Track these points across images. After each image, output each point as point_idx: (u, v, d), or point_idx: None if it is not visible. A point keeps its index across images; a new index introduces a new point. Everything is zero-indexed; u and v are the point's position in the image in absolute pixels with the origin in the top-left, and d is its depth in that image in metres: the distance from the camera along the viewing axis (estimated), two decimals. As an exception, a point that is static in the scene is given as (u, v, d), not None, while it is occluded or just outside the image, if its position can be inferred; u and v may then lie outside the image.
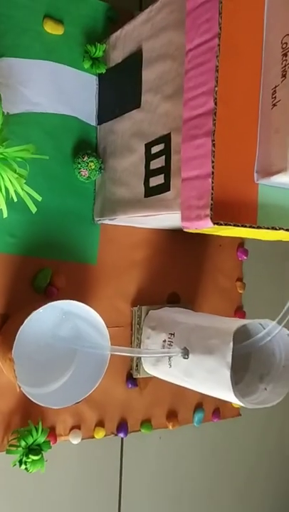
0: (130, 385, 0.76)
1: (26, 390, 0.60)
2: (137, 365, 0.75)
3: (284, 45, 0.51)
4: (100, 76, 0.72)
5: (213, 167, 0.48)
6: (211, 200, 0.48)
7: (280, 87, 0.51)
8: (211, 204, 0.48)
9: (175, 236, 0.79)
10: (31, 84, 0.68)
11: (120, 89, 0.68)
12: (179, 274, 0.81)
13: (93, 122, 0.73)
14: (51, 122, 0.69)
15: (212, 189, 0.48)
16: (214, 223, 0.48)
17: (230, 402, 0.85)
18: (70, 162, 0.71)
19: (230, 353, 0.58)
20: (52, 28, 0.69)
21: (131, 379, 0.76)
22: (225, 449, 0.89)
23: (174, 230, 0.78)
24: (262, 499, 0.95)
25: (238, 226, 0.51)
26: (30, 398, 0.60)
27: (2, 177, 0.55)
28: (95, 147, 0.73)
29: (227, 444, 0.89)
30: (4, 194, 0.56)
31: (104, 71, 0.71)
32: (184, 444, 0.83)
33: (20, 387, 0.59)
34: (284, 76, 0.51)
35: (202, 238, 0.82)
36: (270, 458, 0.96)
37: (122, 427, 0.75)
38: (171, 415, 0.80)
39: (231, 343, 0.59)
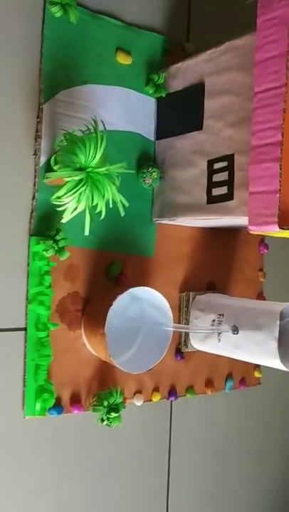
0: (179, 358, 0.91)
1: (115, 360, 0.74)
2: (185, 341, 0.90)
3: None
4: (158, 99, 0.86)
5: (280, 185, 0.64)
6: (278, 210, 0.64)
7: None
8: (278, 213, 0.64)
9: (213, 234, 0.94)
10: (107, 106, 0.81)
11: (181, 112, 0.82)
12: (215, 265, 0.96)
13: (152, 138, 0.87)
14: (120, 138, 0.83)
15: (279, 202, 0.64)
16: (280, 228, 0.64)
17: (253, 373, 1.02)
18: (134, 171, 0.84)
19: (278, 329, 0.74)
20: (123, 59, 0.82)
21: (179, 352, 0.91)
22: (248, 413, 1.06)
23: (213, 228, 0.94)
24: (277, 453, 1.13)
25: (294, 230, 0.66)
26: (117, 365, 0.74)
27: (107, 188, 0.68)
28: (153, 159, 0.87)
29: (250, 409, 1.06)
30: (104, 201, 0.69)
31: (164, 95, 0.84)
32: (218, 407, 0.99)
33: (110, 356, 0.74)
34: None
35: (233, 235, 0.98)
36: (284, 419, 1.14)
37: (172, 392, 0.90)
38: (209, 383, 0.96)
39: (278, 321, 0.75)
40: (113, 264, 0.83)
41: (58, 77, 0.77)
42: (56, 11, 0.75)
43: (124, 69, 0.83)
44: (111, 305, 0.74)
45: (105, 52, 0.81)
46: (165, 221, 0.85)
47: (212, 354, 0.88)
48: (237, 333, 0.80)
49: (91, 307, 0.80)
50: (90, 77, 0.80)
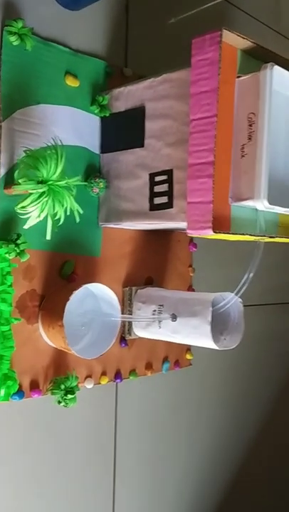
0: (123, 345, 1.03)
1: (72, 348, 0.85)
2: (128, 330, 1.02)
3: (249, 119, 0.82)
4: (102, 118, 0.97)
5: (212, 197, 0.78)
6: (212, 217, 0.78)
7: (247, 145, 0.82)
8: (212, 220, 0.77)
9: (150, 234, 1.07)
10: (58, 124, 0.91)
11: (124, 130, 0.93)
12: (152, 262, 1.09)
13: (97, 151, 0.98)
14: (70, 151, 0.93)
15: (212, 210, 0.78)
16: (214, 232, 0.78)
17: (185, 355, 1.17)
18: (81, 181, 0.95)
19: (210, 314, 0.89)
20: (71, 82, 0.92)
21: (123, 340, 1.03)
22: (181, 391, 1.21)
23: (150, 230, 1.07)
24: (205, 427, 1.29)
25: (223, 233, 0.80)
26: (75, 353, 0.85)
27: (66, 199, 0.78)
28: (98, 170, 0.98)
29: (183, 387, 1.21)
30: (63, 210, 0.80)
31: (108, 114, 0.96)
32: (157, 387, 1.13)
33: (68, 345, 0.84)
34: (249, 138, 0.81)
35: (167, 236, 1.12)
36: (214, 394, 1.30)
37: (118, 375, 1.02)
38: (148, 366, 1.09)
39: (210, 308, 0.89)
40: (66, 263, 0.93)
41: (15, 97, 0.86)
42: (14, 40, 0.84)
43: (72, 91, 0.93)
44: (68, 299, 0.84)
45: (56, 75, 0.91)
46: (111, 225, 0.97)
47: (151, 340, 1.01)
48: (175, 320, 0.94)
49: (47, 302, 0.90)
50: (43, 97, 0.89)
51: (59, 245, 0.92)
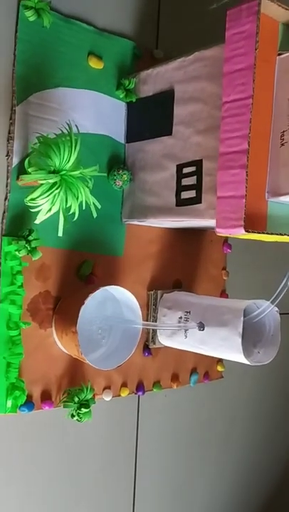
0: (146, 354, 0.94)
1: (86, 358, 0.77)
2: (152, 338, 0.93)
3: (291, 102, 0.71)
4: (128, 104, 0.88)
5: (246, 191, 0.67)
6: (244, 214, 0.67)
7: (288, 132, 0.71)
8: (244, 217, 0.67)
9: (179, 233, 0.98)
10: (79, 110, 0.83)
11: (151, 117, 0.84)
12: (181, 264, 0.99)
13: (122, 141, 0.89)
14: (92, 140, 0.85)
15: (245, 206, 0.67)
16: (246, 231, 0.68)
17: (216, 367, 1.07)
18: (105, 173, 0.87)
19: (242, 325, 0.78)
20: (95, 63, 0.84)
21: (147, 349, 0.94)
22: (211, 406, 1.10)
23: (180, 229, 0.97)
24: (237, 444, 1.18)
25: (258, 233, 0.70)
26: (89, 363, 0.77)
27: (80, 191, 0.70)
28: (123, 161, 0.89)
29: (213, 402, 1.10)
30: (77, 203, 0.71)
31: (134, 100, 0.87)
32: (183, 400, 1.03)
33: (82, 354, 0.76)
34: (291, 124, 0.71)
35: (198, 235, 1.02)
36: (247, 410, 1.19)
37: (140, 387, 0.93)
38: (175, 377, 0.99)
39: (242, 318, 0.79)
40: (84, 263, 0.85)
41: (31, 79, 0.78)
42: (30, 15, 0.76)
43: (95, 73, 0.85)
44: (83, 303, 0.76)
45: (77, 56, 0.83)
46: (135, 222, 0.88)
47: (178, 349, 0.91)
48: (203, 330, 0.84)
49: (62, 306, 0.82)
50: (62, 80, 0.81)
51: (77, 243, 0.84)
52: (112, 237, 0.89)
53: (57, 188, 0.68)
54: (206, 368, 1.05)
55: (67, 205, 0.70)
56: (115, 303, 0.85)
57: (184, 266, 1.00)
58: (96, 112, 0.85)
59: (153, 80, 0.84)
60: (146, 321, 0.94)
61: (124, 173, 0.86)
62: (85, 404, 0.81)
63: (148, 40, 0.93)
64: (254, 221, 0.69)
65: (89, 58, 0.84)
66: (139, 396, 0.95)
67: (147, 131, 0.85)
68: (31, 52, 0.78)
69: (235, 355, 0.80)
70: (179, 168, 0.79)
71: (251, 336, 0.86)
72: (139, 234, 0.92)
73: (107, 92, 0.86)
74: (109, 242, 0.89)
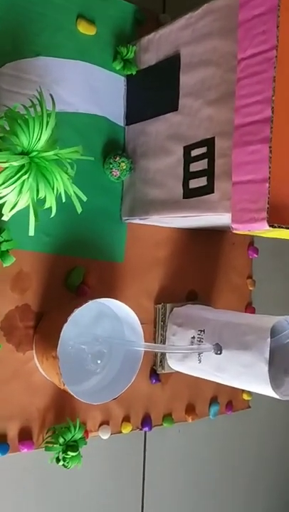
0: (154, 381, 0.78)
1: (70, 388, 0.61)
2: (160, 361, 0.77)
3: None
4: (128, 77, 0.73)
5: (270, 172, 0.51)
6: (268, 204, 0.51)
7: None
8: (268, 207, 0.51)
9: (194, 235, 0.82)
10: (65, 84, 0.68)
11: (153, 91, 0.69)
12: (197, 272, 0.83)
13: (121, 123, 0.74)
14: (82, 122, 0.70)
15: (269, 193, 0.51)
16: (270, 226, 0.51)
17: (242, 395, 0.89)
18: (99, 161, 0.72)
19: (268, 349, 0.61)
20: (85, 28, 0.70)
21: (154, 375, 0.78)
22: (236, 440, 0.92)
23: (194, 229, 0.81)
24: (268, 490, 1.00)
25: (286, 228, 0.53)
26: (74, 395, 0.61)
27: (56, 178, 0.55)
28: (122, 147, 0.74)
29: (238, 436, 0.92)
30: (54, 194, 0.56)
31: (134, 72, 0.72)
32: (201, 436, 0.86)
33: (64, 384, 0.60)
34: None
35: (217, 237, 0.85)
36: (275, 447, 1.01)
37: (146, 421, 0.77)
38: (190, 409, 0.82)
39: (269, 339, 0.62)
40: (73, 271, 0.70)
41: (5, 47, 0.64)
42: None
43: (86, 40, 0.70)
44: (65, 321, 0.61)
45: (64, 19, 0.68)
46: (136, 220, 0.72)
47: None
48: (220, 353, 0.67)
49: (44, 323, 0.67)
50: (44, 48, 0.67)
51: (65, 246, 0.69)
52: (109, 239, 0.73)
53: (25, 173, 0.54)
54: (228, 396, 0.87)
55: (40, 196, 0.55)
56: (115, 320, 0.69)
57: (199, 274, 0.83)
58: (87, 87, 0.70)
59: (156, 46, 0.69)
60: (154, 339, 0.77)
61: (123, 161, 0.70)
62: (72, 445, 0.65)
63: (153, 3, 0.78)
64: (281, 212, 0.52)
65: (78, 22, 0.69)
66: (145, 432, 0.79)
67: (149, 108, 0.70)
68: (6, 13, 0.64)
69: (260, 386, 0.63)
70: (187, 150, 0.63)
71: (282, 361, 0.69)
72: (143, 235, 0.77)
73: (101, 63, 0.71)
74: (106, 245, 0.73)
